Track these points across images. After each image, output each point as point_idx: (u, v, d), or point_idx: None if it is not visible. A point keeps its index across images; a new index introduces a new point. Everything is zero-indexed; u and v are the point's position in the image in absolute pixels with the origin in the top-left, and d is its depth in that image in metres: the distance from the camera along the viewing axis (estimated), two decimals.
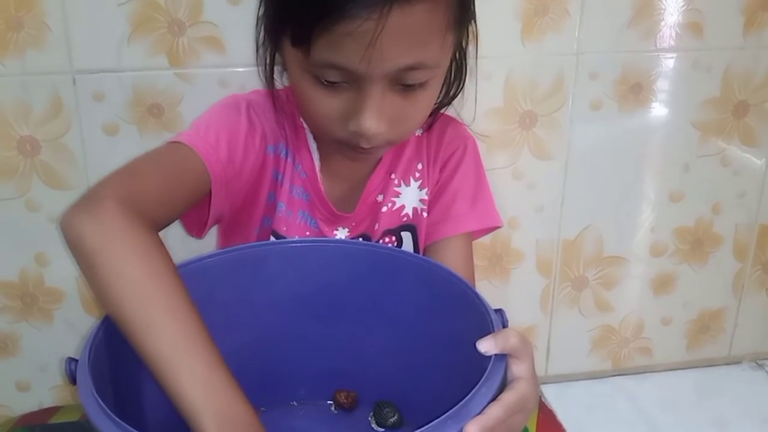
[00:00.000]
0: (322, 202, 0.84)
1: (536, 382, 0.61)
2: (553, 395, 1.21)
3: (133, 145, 0.94)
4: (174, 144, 0.76)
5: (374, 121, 0.70)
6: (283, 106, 0.83)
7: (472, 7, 0.75)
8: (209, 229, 0.81)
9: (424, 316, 0.72)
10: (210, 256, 0.73)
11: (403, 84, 0.70)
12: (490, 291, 1.15)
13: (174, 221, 0.73)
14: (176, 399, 0.55)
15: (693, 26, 1.05)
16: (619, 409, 1.20)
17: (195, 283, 0.70)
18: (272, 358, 0.77)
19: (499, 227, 0.91)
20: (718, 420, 1.17)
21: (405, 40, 0.66)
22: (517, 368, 0.59)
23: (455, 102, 0.87)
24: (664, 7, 1.03)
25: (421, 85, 0.71)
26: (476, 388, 0.54)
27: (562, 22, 1.01)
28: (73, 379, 0.58)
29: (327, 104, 0.71)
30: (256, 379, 0.74)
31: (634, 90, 1.07)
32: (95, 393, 0.53)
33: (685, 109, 1.10)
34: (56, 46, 0.90)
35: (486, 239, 1.10)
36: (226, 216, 0.83)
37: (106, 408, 0.51)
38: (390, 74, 0.68)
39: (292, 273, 0.75)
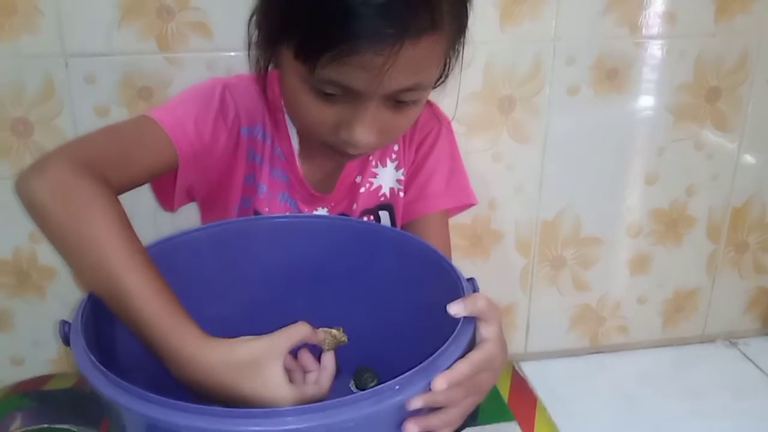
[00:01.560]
0: (301, 183, 0.86)
1: (503, 344, 0.64)
2: (532, 372, 1.25)
3: None
4: (140, 117, 0.78)
5: (365, 134, 0.73)
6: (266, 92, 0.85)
7: (466, 29, 0.76)
8: (180, 203, 0.83)
9: (401, 285, 0.75)
10: (196, 230, 0.76)
11: (396, 100, 0.73)
12: (470, 270, 1.14)
13: (135, 186, 0.74)
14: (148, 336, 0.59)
15: (667, 14, 1.08)
16: (597, 383, 1.24)
17: (181, 255, 0.73)
18: (256, 328, 0.78)
19: (473, 204, 0.94)
20: (692, 392, 1.20)
21: (410, 69, 0.69)
22: (485, 330, 0.62)
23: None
24: None
25: (413, 101, 0.74)
26: (444, 345, 0.57)
27: (539, 9, 1.04)
28: (66, 340, 0.60)
29: (321, 112, 0.73)
30: None
31: (610, 76, 1.10)
32: (87, 350, 0.56)
33: (660, 94, 1.14)
34: (49, 30, 0.93)
35: (466, 219, 1.13)
36: (202, 193, 0.85)
37: (97, 363, 0.54)
38: (389, 94, 0.71)
39: (276, 246, 0.78)
